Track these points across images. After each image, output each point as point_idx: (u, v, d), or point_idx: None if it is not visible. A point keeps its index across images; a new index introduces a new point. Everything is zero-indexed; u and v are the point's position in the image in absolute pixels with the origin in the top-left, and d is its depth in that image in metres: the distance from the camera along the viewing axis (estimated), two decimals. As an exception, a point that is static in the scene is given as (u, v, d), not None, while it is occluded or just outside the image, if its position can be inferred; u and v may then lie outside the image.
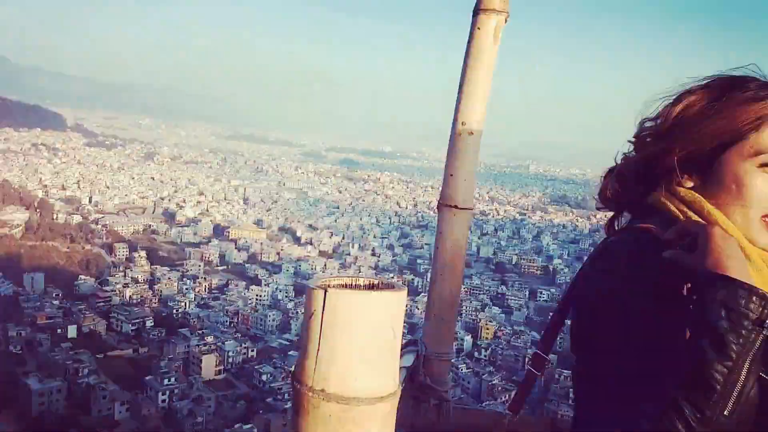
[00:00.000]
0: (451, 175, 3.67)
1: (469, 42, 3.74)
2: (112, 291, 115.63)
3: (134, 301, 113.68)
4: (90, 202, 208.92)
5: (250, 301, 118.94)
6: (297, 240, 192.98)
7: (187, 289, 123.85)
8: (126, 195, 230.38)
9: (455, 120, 3.61)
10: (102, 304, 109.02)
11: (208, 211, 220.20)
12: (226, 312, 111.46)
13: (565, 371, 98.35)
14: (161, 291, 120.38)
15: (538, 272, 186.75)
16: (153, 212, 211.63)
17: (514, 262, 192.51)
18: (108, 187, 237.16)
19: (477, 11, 3.61)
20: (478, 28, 3.57)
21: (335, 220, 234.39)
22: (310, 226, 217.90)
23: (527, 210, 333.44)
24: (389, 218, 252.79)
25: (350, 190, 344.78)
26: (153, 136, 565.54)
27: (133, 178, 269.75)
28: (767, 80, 1.22)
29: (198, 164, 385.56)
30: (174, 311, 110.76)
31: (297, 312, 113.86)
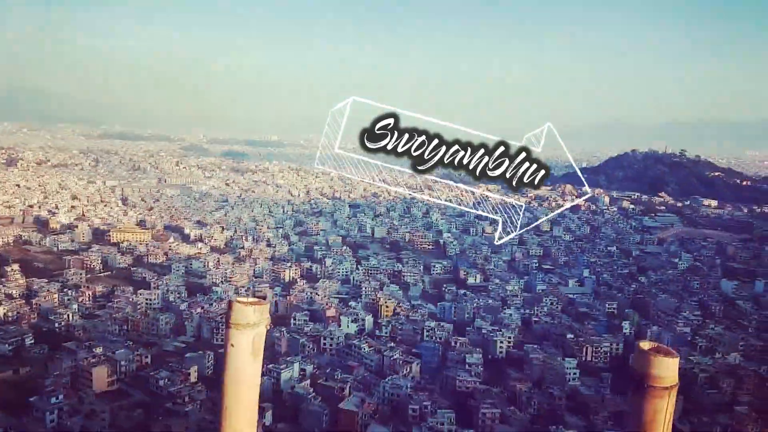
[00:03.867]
0: None
1: (225, 359, 3.58)
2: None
3: (10, 319, 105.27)
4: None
5: (139, 306, 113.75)
6: (186, 238, 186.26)
7: (69, 300, 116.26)
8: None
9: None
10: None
11: (84, 215, 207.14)
12: (115, 320, 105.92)
13: (460, 338, 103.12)
14: (40, 305, 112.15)
15: (430, 247, 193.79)
16: (23, 221, 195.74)
17: (407, 240, 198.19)
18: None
19: (228, 324, 3.54)
20: (232, 345, 3.56)
21: (225, 214, 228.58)
22: (199, 222, 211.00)
23: (416, 189, 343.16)
24: (282, 207, 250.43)
25: (238, 182, 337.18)
26: (14, 141, 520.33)
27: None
28: None
29: (68, 167, 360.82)
30: (56, 325, 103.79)
31: (191, 312, 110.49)
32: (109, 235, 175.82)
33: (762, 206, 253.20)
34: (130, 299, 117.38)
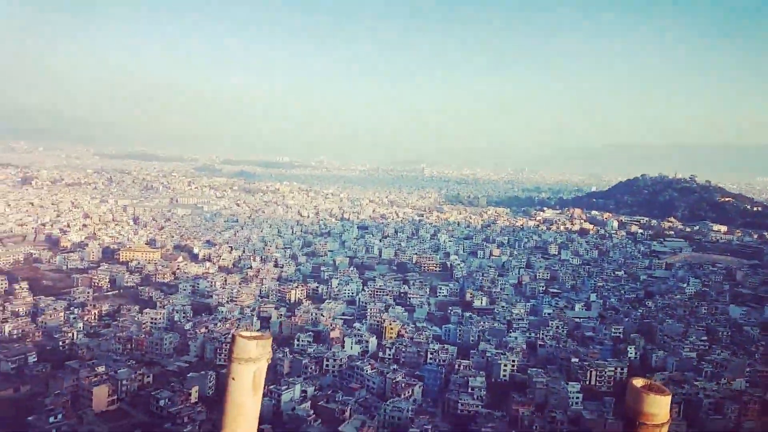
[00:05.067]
0: None
1: (226, 392, 3.87)
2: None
3: (15, 336, 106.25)
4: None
5: (144, 326, 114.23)
6: (194, 257, 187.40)
7: (74, 318, 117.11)
8: (2, 223, 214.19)
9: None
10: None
11: (95, 234, 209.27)
12: (119, 339, 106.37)
13: (464, 361, 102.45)
14: (45, 323, 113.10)
15: (437, 269, 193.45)
16: (34, 239, 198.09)
17: (414, 261, 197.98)
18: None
19: (231, 357, 3.82)
20: (233, 379, 3.87)
21: (234, 234, 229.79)
22: (208, 242, 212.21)
23: (424, 211, 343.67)
24: (291, 228, 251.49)
25: (249, 203, 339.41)
26: (29, 160, 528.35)
27: (9, 205, 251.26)
28: None
29: (81, 186, 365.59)
30: (60, 343, 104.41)
31: (195, 332, 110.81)
32: (119, 254, 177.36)
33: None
34: (136, 318, 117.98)
